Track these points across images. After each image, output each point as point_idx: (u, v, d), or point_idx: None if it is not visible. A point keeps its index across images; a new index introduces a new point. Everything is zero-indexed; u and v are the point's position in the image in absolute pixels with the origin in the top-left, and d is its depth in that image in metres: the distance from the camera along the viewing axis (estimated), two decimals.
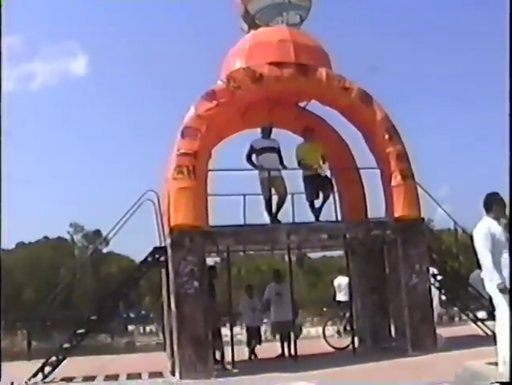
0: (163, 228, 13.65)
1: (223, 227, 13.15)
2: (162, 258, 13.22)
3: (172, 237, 12.42)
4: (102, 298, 14.10)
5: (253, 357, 14.85)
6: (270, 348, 15.08)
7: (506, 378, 7.73)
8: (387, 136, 13.90)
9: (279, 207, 13.83)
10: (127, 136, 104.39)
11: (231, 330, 13.64)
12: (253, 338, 14.95)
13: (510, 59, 5.94)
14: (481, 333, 14.05)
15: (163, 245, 13.50)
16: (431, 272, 14.33)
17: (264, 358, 14.70)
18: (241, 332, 16.53)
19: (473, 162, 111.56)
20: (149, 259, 13.46)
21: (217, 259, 17.38)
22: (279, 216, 13.83)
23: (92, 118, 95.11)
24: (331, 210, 14.65)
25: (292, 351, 14.09)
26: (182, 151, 12.70)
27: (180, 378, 11.88)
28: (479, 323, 14.42)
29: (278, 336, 15.29)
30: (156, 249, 13.48)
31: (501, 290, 7.80)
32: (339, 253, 18.23)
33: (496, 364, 8.23)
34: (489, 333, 12.71)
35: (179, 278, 12.25)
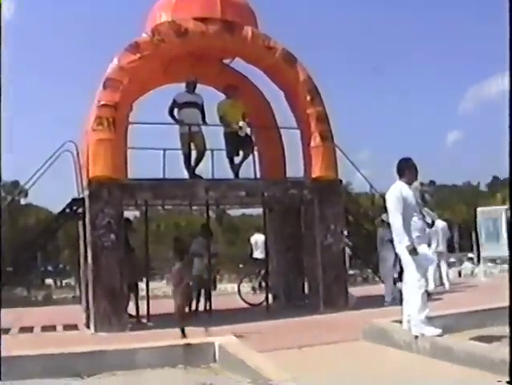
0: (81, 179, 13.52)
1: (141, 180, 13.08)
2: (80, 210, 13.10)
3: (90, 189, 12.30)
4: (18, 249, 13.91)
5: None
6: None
7: (411, 335, 8.12)
8: (308, 97, 14.05)
9: (197, 162, 13.84)
10: (50, 85, 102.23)
11: (147, 284, 13.73)
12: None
13: (510, 59, 6.03)
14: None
15: (81, 196, 13.36)
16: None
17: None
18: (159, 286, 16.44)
19: (393, 128, 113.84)
20: (67, 210, 13.31)
21: (137, 213, 17.31)
22: (199, 172, 13.88)
23: (16, 64, 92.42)
24: (251, 168, 14.82)
25: (208, 306, 14.22)
26: (103, 102, 12.51)
27: (95, 330, 11.86)
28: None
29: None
30: (74, 201, 13.33)
31: (410, 252, 8.11)
32: (259, 211, 18.44)
33: (401, 322, 8.62)
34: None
35: (96, 231, 12.18)
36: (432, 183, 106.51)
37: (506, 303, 11.04)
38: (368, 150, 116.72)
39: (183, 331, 10.27)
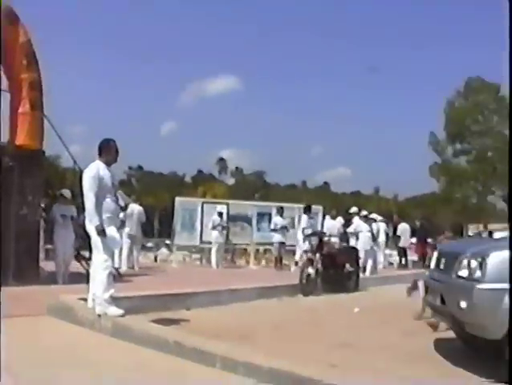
0: None
1: None
2: None
3: None
4: None
5: None
6: None
7: (94, 313, 8.22)
8: (25, 62, 13.62)
9: None
10: None
11: None
12: None
13: (510, 58, 6.05)
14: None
15: None
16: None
17: None
18: None
19: (107, 109, 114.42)
20: None
21: None
22: None
23: None
24: None
25: None
26: None
27: None
28: (83, 262, 14.71)
29: None
30: None
31: (99, 232, 8.19)
32: None
33: (86, 300, 8.70)
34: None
35: None
36: (140, 168, 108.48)
37: (189, 289, 11.71)
38: (84, 125, 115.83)
39: None
